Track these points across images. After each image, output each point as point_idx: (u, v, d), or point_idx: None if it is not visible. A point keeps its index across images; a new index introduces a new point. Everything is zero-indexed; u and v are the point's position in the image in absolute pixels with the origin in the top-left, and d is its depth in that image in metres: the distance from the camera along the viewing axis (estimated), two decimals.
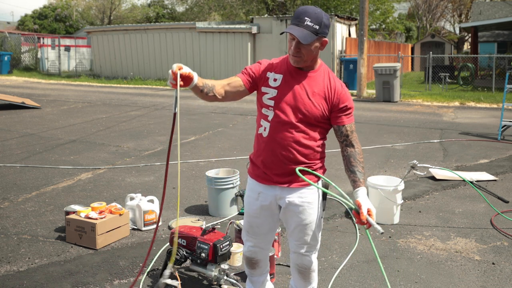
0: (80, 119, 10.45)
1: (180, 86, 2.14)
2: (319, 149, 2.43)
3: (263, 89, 2.39)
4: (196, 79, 2.22)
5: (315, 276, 2.63)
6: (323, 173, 2.52)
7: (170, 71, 2.13)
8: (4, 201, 4.95)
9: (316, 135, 2.39)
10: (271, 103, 2.36)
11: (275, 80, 2.38)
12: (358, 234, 4.07)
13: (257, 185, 2.50)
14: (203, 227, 3.20)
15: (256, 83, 2.42)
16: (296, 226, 2.47)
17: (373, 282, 3.26)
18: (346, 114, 2.37)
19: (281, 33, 2.37)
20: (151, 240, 3.13)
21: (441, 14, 45.10)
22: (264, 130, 2.40)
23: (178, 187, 2.32)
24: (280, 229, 3.67)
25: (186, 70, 2.15)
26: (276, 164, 2.40)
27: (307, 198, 2.43)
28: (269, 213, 2.51)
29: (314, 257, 2.55)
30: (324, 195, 2.54)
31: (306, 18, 2.23)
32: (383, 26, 35.27)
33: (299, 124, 2.34)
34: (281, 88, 2.36)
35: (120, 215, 3.97)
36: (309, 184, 2.42)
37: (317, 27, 2.23)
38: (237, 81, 2.39)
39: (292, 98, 2.34)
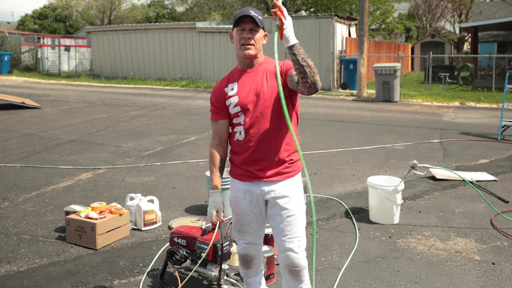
0: (80, 119, 10.45)
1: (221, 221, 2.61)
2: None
3: (227, 102, 2.54)
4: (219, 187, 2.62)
5: (306, 274, 2.64)
6: (301, 165, 2.61)
7: (212, 217, 2.60)
8: (4, 201, 4.95)
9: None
10: (238, 109, 2.51)
11: (232, 89, 2.54)
12: (358, 234, 4.07)
13: (241, 184, 2.58)
14: (203, 227, 3.20)
15: (225, 106, 2.56)
16: (284, 219, 2.51)
17: (373, 282, 3.26)
18: (291, 68, 2.46)
19: (234, 25, 2.47)
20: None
21: (441, 14, 45.09)
22: (240, 134, 2.53)
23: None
24: None
25: (220, 211, 2.60)
26: (258, 160, 2.51)
27: (291, 189, 2.53)
28: (258, 209, 2.58)
29: (303, 254, 2.57)
30: (304, 188, 2.65)
31: (250, 10, 2.45)
32: (383, 26, 35.27)
33: (269, 114, 2.48)
34: (240, 92, 2.51)
35: (120, 215, 3.97)
36: (291, 176, 2.54)
37: (260, 17, 2.46)
38: (219, 123, 2.58)
39: (254, 95, 2.49)
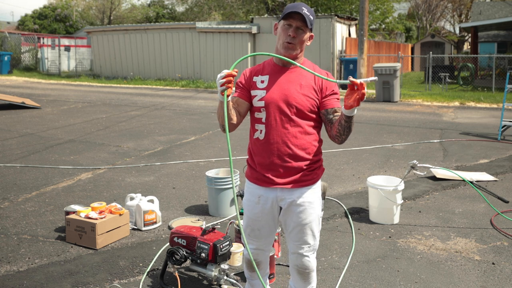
0: (80, 119, 10.45)
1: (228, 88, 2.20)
2: (316, 143, 2.46)
3: (253, 92, 2.44)
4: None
5: (314, 276, 2.63)
6: (321, 172, 2.54)
7: (222, 73, 2.18)
8: (4, 201, 4.95)
9: (311, 129, 2.43)
10: (262, 103, 2.40)
11: (262, 82, 2.43)
12: (354, 235, 4.07)
13: (257, 188, 2.50)
14: (203, 227, 3.20)
15: (249, 92, 2.46)
16: (296, 226, 2.47)
17: (373, 282, 3.26)
18: (333, 98, 2.42)
19: (283, 17, 2.34)
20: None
21: (441, 14, 45.07)
22: (260, 132, 2.44)
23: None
24: (280, 229, 3.67)
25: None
26: (275, 165, 2.42)
27: (307, 198, 2.45)
28: (271, 216, 2.52)
29: (313, 257, 2.55)
30: (324, 194, 2.53)
31: (303, 7, 2.32)
32: (383, 26, 35.28)
33: (293, 118, 2.38)
34: (269, 87, 2.41)
35: (120, 215, 3.97)
36: (309, 184, 2.44)
37: (311, 17, 2.35)
38: (238, 99, 2.45)
39: (281, 94, 2.38)
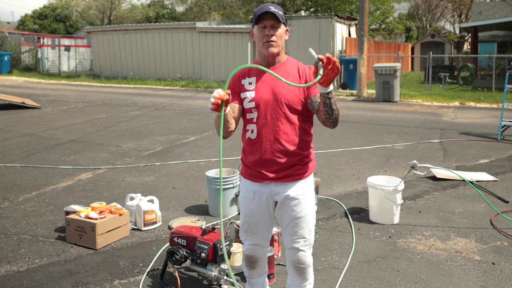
0: (80, 119, 10.45)
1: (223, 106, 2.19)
2: (307, 138, 2.53)
3: (242, 95, 2.51)
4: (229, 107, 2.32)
5: (311, 273, 2.67)
6: (313, 166, 2.61)
7: (216, 93, 2.15)
8: (4, 201, 4.95)
9: (301, 124, 2.49)
10: (252, 104, 2.48)
11: (250, 83, 2.51)
12: (354, 236, 4.07)
13: (251, 184, 2.57)
14: (203, 227, 3.20)
15: (240, 95, 2.53)
16: (291, 220, 2.52)
17: (373, 282, 3.26)
18: (316, 87, 2.44)
19: (255, 23, 2.43)
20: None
21: (441, 14, 45.07)
22: (252, 132, 2.51)
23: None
24: (280, 229, 3.68)
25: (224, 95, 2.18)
26: (268, 161, 2.49)
27: (301, 191, 2.52)
28: (266, 210, 2.57)
29: (309, 252, 2.60)
30: (317, 188, 2.59)
31: (270, 6, 2.41)
32: (383, 26, 35.28)
33: (283, 115, 2.45)
34: (257, 88, 2.48)
35: (120, 215, 3.97)
36: (302, 178, 2.52)
37: (281, 13, 2.42)
38: (231, 104, 2.49)
39: (270, 93, 2.46)
